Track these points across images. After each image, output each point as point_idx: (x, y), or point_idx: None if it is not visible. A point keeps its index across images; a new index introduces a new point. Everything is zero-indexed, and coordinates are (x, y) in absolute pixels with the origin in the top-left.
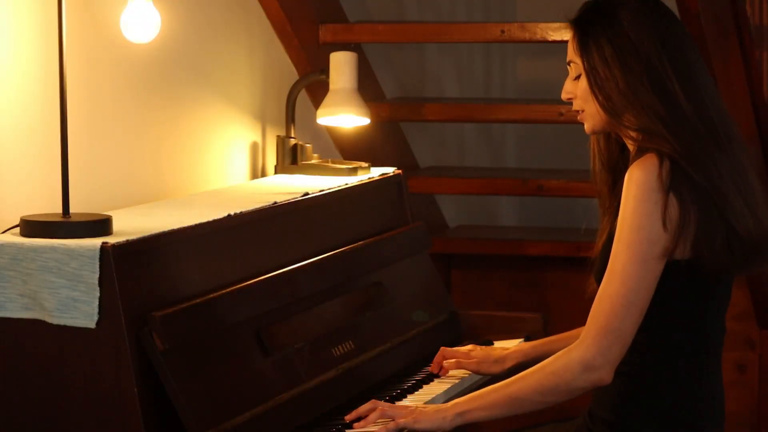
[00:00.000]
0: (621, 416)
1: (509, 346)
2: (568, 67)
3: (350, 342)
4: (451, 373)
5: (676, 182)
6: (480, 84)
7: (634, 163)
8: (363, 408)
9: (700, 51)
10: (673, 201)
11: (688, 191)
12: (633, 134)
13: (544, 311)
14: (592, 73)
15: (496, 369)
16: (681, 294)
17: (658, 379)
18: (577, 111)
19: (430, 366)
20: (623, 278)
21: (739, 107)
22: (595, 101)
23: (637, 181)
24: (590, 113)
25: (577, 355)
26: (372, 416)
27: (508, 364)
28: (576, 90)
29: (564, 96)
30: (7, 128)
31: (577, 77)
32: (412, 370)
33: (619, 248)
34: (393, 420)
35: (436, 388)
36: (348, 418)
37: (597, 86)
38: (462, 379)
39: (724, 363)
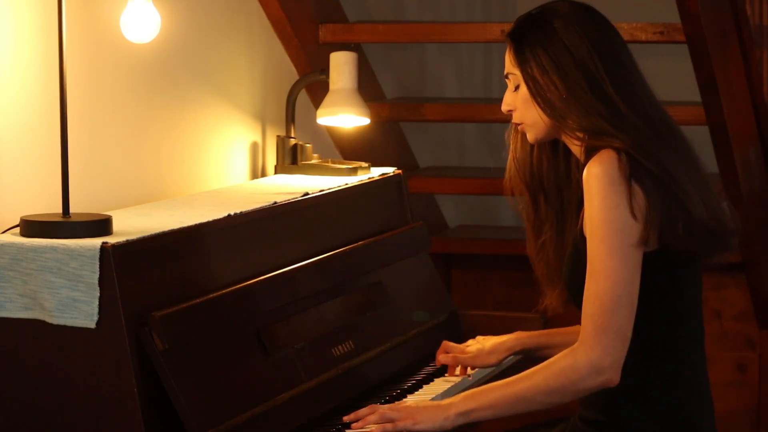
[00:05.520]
0: (611, 415)
1: (503, 338)
2: (506, 80)
3: (350, 342)
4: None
5: (636, 172)
6: (480, 84)
7: (591, 160)
8: (361, 411)
9: (700, 51)
10: (636, 190)
11: (647, 180)
12: (579, 134)
13: (544, 311)
14: (531, 82)
15: (492, 360)
16: (652, 286)
17: (640, 373)
18: (518, 123)
19: (430, 365)
20: (606, 274)
21: (739, 107)
22: (537, 108)
23: (597, 176)
24: (531, 123)
25: (583, 357)
26: (371, 418)
27: (502, 355)
28: (516, 101)
29: (504, 108)
30: (7, 128)
31: (516, 88)
32: (412, 370)
33: (594, 245)
34: (392, 422)
35: (437, 387)
36: (346, 418)
37: (538, 94)
38: (463, 378)
39: (724, 363)
